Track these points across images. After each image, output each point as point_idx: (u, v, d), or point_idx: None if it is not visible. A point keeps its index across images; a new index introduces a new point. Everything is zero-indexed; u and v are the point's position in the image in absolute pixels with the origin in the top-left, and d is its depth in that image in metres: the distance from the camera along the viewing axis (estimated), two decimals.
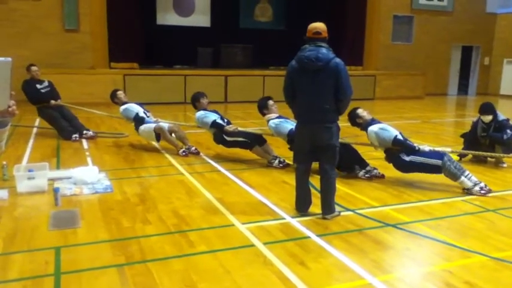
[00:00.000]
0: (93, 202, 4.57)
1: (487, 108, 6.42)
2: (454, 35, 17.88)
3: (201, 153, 6.70)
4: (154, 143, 7.13)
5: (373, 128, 5.31)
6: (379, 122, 5.49)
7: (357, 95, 14.64)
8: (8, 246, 3.50)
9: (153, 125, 6.78)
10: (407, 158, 5.15)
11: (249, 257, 3.40)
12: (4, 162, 5.21)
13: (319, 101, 4.04)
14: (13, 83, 1.70)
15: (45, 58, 12.34)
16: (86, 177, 5.07)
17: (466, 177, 5.04)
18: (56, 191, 4.46)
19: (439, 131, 9.63)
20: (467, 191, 5.01)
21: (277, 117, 6.11)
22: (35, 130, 8.34)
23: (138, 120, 6.95)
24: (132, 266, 3.22)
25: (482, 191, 4.98)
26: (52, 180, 5.07)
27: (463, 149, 6.62)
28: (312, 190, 4.42)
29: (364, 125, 5.46)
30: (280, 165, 6.04)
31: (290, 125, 5.81)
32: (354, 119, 5.52)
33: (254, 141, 6.22)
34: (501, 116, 6.41)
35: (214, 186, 5.16)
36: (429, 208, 4.61)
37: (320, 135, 4.09)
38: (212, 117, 6.44)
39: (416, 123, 10.66)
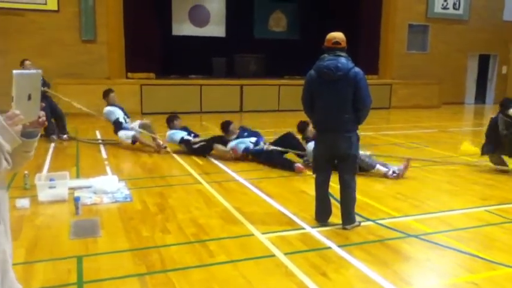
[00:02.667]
0: (113, 211, 4.59)
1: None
2: (470, 43, 17.72)
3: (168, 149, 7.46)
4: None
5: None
6: None
7: (373, 104, 14.60)
8: (30, 255, 3.53)
9: (131, 133, 7.65)
10: None
11: (270, 268, 3.37)
12: (26, 172, 5.28)
13: (338, 110, 4.03)
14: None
15: (63, 69, 12.54)
16: (106, 186, 5.11)
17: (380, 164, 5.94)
18: (76, 200, 4.49)
19: (456, 140, 9.51)
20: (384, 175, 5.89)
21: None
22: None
23: (117, 125, 7.80)
24: (153, 275, 3.22)
25: (394, 174, 5.89)
26: (72, 189, 5.12)
27: (485, 149, 6.49)
28: (332, 200, 4.38)
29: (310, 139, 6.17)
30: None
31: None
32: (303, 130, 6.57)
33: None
34: None
35: (233, 196, 5.15)
36: (450, 219, 4.54)
37: (339, 145, 4.07)
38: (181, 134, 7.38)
39: (433, 132, 10.56)
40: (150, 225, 4.19)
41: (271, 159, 6.58)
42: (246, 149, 6.85)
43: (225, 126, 7.19)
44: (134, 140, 7.65)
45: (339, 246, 3.75)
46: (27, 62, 8.10)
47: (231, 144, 6.94)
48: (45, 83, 8.09)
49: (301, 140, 6.76)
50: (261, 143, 6.87)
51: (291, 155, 6.76)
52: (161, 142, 7.57)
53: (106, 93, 8.12)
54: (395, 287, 3.08)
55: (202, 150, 7.18)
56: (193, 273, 3.27)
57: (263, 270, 3.33)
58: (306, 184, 5.56)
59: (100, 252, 3.61)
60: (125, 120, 7.93)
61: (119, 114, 7.91)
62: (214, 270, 3.31)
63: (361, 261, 3.47)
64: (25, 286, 2.98)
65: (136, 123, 7.89)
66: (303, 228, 4.16)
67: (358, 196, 4.29)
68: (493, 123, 6.44)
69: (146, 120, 8.23)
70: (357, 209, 4.28)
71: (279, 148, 6.68)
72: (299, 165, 6.28)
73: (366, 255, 3.59)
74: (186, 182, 5.80)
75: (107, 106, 8.03)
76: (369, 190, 5.38)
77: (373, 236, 4.02)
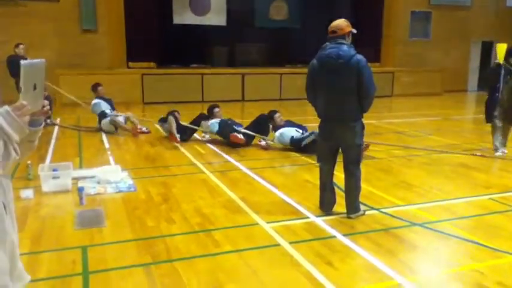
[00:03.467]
0: (117, 201, 4.59)
1: None
2: (473, 30, 17.59)
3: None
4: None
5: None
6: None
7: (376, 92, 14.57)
8: (35, 246, 3.53)
9: (108, 119, 8.14)
10: None
11: (275, 257, 3.37)
12: (29, 162, 5.26)
13: (341, 99, 3.98)
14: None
15: (64, 59, 12.47)
16: (109, 176, 5.10)
17: None
18: (80, 190, 4.49)
19: (460, 129, 9.48)
20: None
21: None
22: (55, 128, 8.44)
23: (101, 116, 8.29)
24: (158, 265, 3.22)
25: None
26: (76, 179, 5.11)
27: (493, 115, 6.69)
28: (336, 189, 4.37)
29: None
30: None
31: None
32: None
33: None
34: None
35: (237, 185, 5.14)
36: (455, 207, 4.53)
37: (343, 134, 4.04)
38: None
39: (437, 120, 10.53)
40: (154, 215, 4.19)
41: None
42: (292, 138, 6.89)
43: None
44: (114, 124, 8.11)
45: (344, 235, 3.75)
46: (21, 46, 8.52)
47: (276, 134, 7.10)
48: None
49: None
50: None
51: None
52: (145, 127, 8.39)
53: (94, 87, 8.72)
54: (401, 276, 3.08)
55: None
56: (199, 262, 3.27)
57: (268, 260, 3.33)
58: (310, 173, 5.54)
59: (105, 242, 3.62)
60: (110, 112, 8.42)
61: (104, 106, 8.46)
62: (220, 260, 3.31)
63: (366, 250, 3.47)
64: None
65: (121, 117, 8.33)
66: (308, 218, 4.15)
67: (362, 185, 4.27)
68: (497, 77, 6.53)
69: (130, 113, 8.69)
70: (361, 198, 4.26)
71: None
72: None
73: (371, 244, 3.58)
74: (189, 171, 5.79)
75: (95, 99, 8.61)
76: (373, 179, 5.37)
77: (378, 224, 4.01)
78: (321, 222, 4.04)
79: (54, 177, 4.81)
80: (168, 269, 3.17)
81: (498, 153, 6.60)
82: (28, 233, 3.74)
